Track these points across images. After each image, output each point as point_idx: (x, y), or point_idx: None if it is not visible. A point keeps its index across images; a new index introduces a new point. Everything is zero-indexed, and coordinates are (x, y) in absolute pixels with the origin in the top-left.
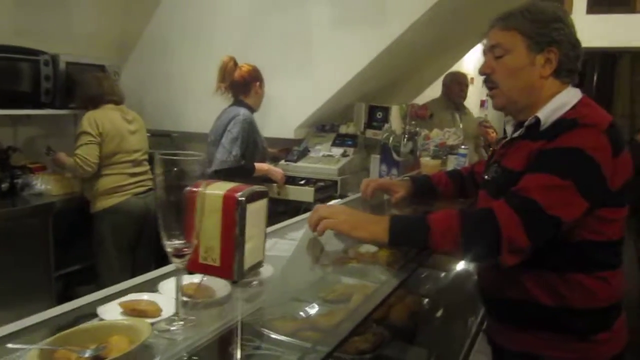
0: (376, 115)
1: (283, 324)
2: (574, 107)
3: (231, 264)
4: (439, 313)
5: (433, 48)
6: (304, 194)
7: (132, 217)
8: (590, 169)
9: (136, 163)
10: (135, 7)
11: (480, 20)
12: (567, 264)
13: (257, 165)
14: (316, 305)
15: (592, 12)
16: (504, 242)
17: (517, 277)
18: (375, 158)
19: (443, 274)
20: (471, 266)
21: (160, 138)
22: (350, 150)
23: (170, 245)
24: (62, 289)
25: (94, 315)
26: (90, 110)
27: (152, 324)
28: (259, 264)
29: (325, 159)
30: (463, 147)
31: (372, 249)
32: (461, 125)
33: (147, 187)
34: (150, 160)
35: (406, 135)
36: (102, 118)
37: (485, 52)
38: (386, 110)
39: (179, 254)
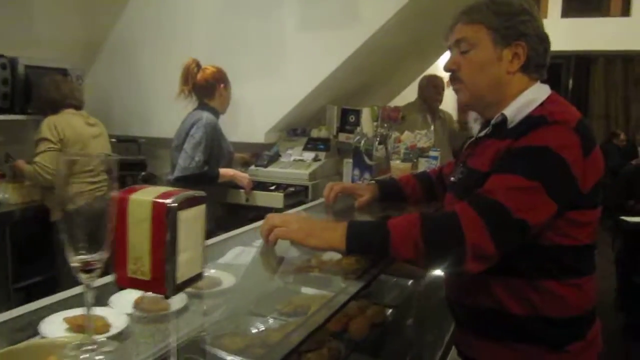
0: (349, 119)
1: (232, 340)
2: (542, 104)
3: (162, 278)
4: (407, 324)
5: (407, 51)
6: (273, 199)
7: None
8: (559, 169)
9: (98, 170)
10: (100, 10)
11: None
12: (536, 270)
13: (222, 171)
14: (271, 319)
15: (566, 16)
16: (468, 247)
17: (485, 284)
18: (348, 162)
19: (411, 282)
20: (442, 273)
21: (127, 144)
22: (322, 155)
23: (78, 259)
24: (23, 302)
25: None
26: (50, 115)
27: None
28: (197, 277)
29: (296, 164)
30: (433, 150)
31: (337, 256)
32: (432, 128)
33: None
34: None
35: (378, 139)
36: (63, 123)
37: (450, 48)
38: (359, 113)
39: (87, 268)
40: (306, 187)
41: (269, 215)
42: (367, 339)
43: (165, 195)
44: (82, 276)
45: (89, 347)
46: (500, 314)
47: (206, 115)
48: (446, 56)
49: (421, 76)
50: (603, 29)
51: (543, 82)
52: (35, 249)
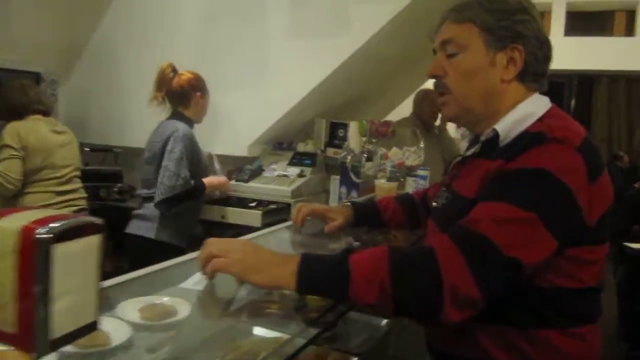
0: (338, 133)
1: None
2: (540, 119)
3: (30, 331)
4: None
5: (402, 62)
6: (250, 217)
7: None
8: (560, 197)
9: (65, 180)
10: (80, 15)
11: None
12: (531, 317)
13: (206, 181)
14: None
15: (569, 35)
16: (445, 291)
17: (469, 331)
18: (335, 179)
19: (385, 322)
20: None
21: (101, 153)
22: (308, 170)
23: None
24: None
25: None
26: (15, 121)
27: None
28: (86, 329)
29: (279, 180)
30: (422, 168)
31: None
32: (422, 144)
33: (78, 207)
34: (84, 177)
35: (365, 155)
36: (27, 130)
37: (435, 51)
38: (348, 127)
39: None
40: (289, 205)
41: (208, 241)
42: None
43: (42, 222)
44: None
45: None
46: None
47: (182, 127)
48: None
49: (417, 90)
50: (607, 49)
51: (542, 93)
52: None
